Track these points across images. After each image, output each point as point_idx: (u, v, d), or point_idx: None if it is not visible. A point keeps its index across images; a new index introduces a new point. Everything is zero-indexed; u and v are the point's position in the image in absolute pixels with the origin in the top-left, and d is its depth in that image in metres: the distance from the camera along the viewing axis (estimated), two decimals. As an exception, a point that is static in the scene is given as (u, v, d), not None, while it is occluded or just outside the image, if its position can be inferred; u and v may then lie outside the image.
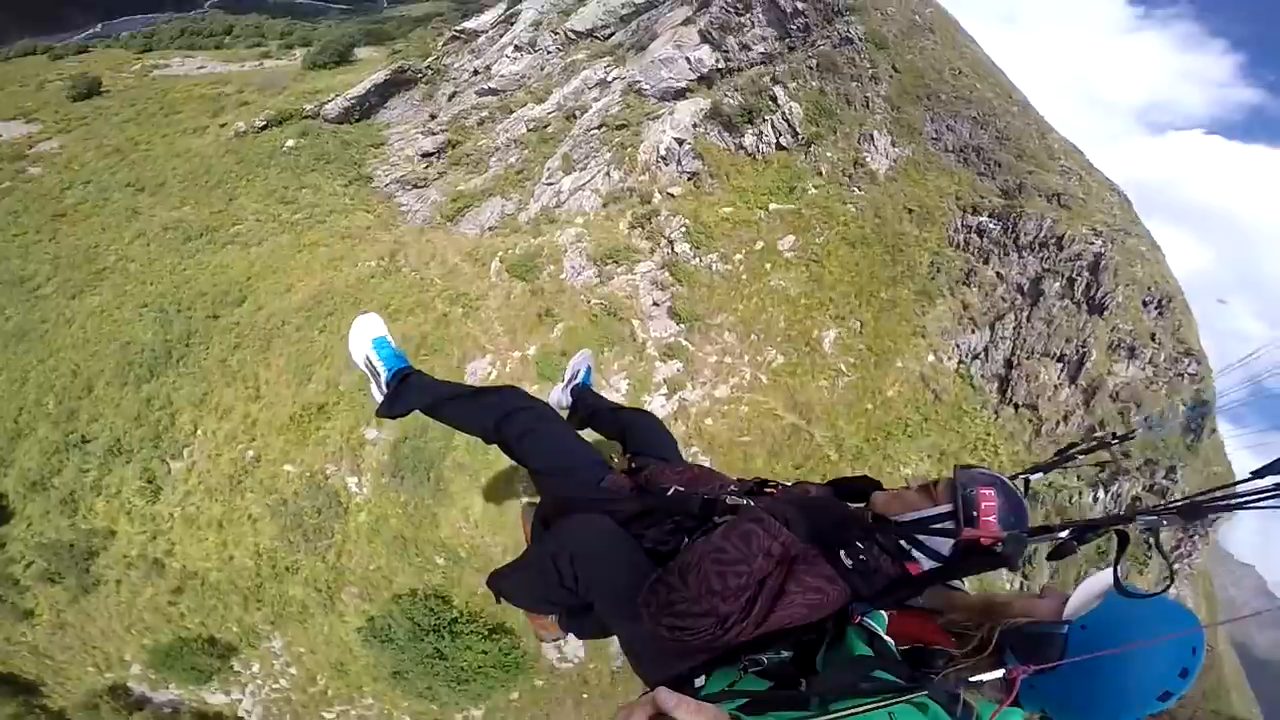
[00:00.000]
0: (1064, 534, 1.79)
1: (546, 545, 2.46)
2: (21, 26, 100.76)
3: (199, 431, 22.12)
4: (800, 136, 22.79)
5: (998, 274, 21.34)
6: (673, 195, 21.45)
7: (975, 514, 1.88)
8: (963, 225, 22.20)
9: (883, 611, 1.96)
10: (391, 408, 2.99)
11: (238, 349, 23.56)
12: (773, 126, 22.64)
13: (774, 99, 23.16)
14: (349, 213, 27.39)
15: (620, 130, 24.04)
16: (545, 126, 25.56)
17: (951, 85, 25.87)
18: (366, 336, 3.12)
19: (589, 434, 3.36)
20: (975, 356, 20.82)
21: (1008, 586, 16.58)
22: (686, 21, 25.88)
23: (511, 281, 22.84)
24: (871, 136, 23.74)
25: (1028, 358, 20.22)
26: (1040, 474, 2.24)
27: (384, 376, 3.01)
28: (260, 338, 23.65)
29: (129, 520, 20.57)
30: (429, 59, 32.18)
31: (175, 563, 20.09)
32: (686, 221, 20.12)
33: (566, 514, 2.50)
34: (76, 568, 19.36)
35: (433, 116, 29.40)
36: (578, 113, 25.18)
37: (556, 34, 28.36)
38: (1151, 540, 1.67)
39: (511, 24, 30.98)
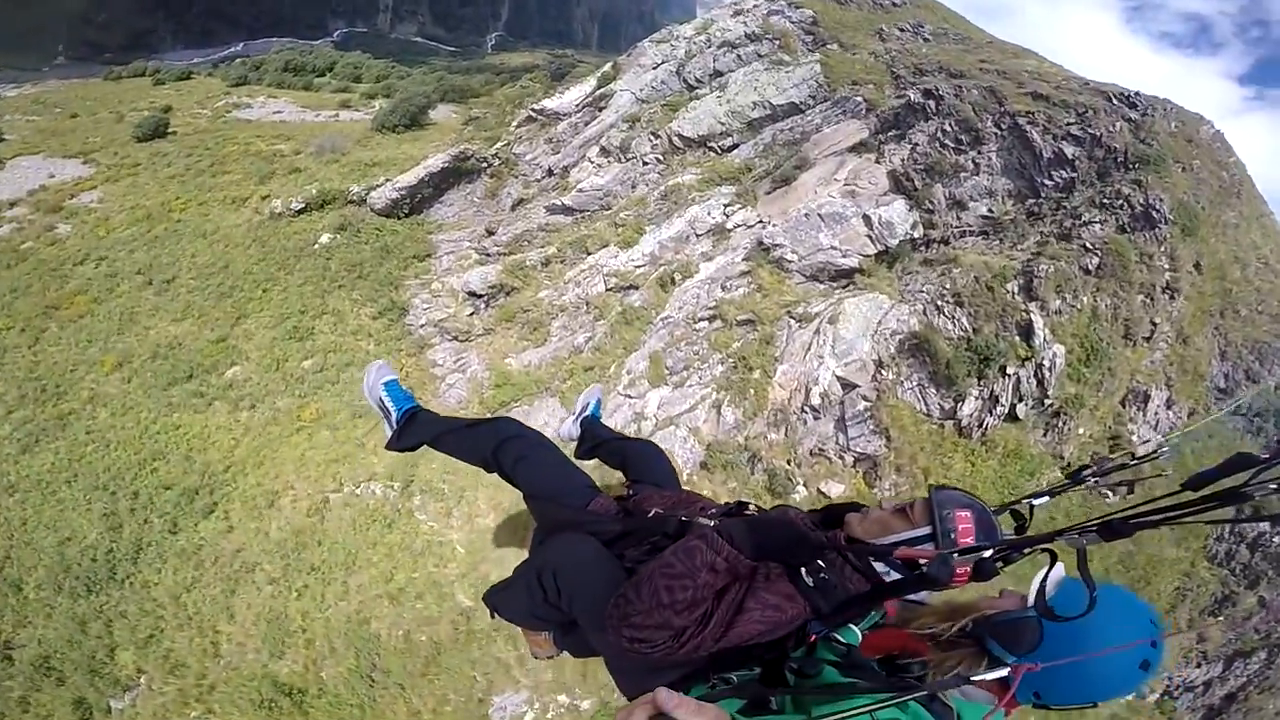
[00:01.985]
0: (987, 554, 1.39)
1: (533, 562, 2.12)
2: (176, 38, 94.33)
3: (143, 680, 12.60)
4: (1050, 400, 10.50)
5: (1261, 599, 11.69)
6: (827, 498, 9.80)
7: (953, 537, 1.55)
8: (1233, 532, 12.10)
9: (855, 628, 1.59)
10: (400, 441, 2.63)
11: (195, 587, 13.56)
12: (1017, 386, 10.36)
13: (1026, 330, 10.80)
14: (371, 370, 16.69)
15: (743, 328, 12.28)
16: (629, 289, 14.02)
17: (1255, 290, 13.04)
18: (379, 380, 2.78)
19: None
20: (1189, 689, 12.07)
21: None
22: (860, 148, 13.61)
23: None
24: (1146, 395, 11.25)
25: (1260, 693, 11.66)
26: (1046, 499, 1.69)
27: (394, 415, 2.65)
28: (224, 579, 13.45)
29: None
30: (497, 144, 20.86)
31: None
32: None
33: (555, 534, 2.14)
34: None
35: (490, 232, 18.20)
36: (678, 277, 13.51)
37: (657, 137, 16.52)
38: (1078, 559, 1.30)
39: (600, 109, 19.26)
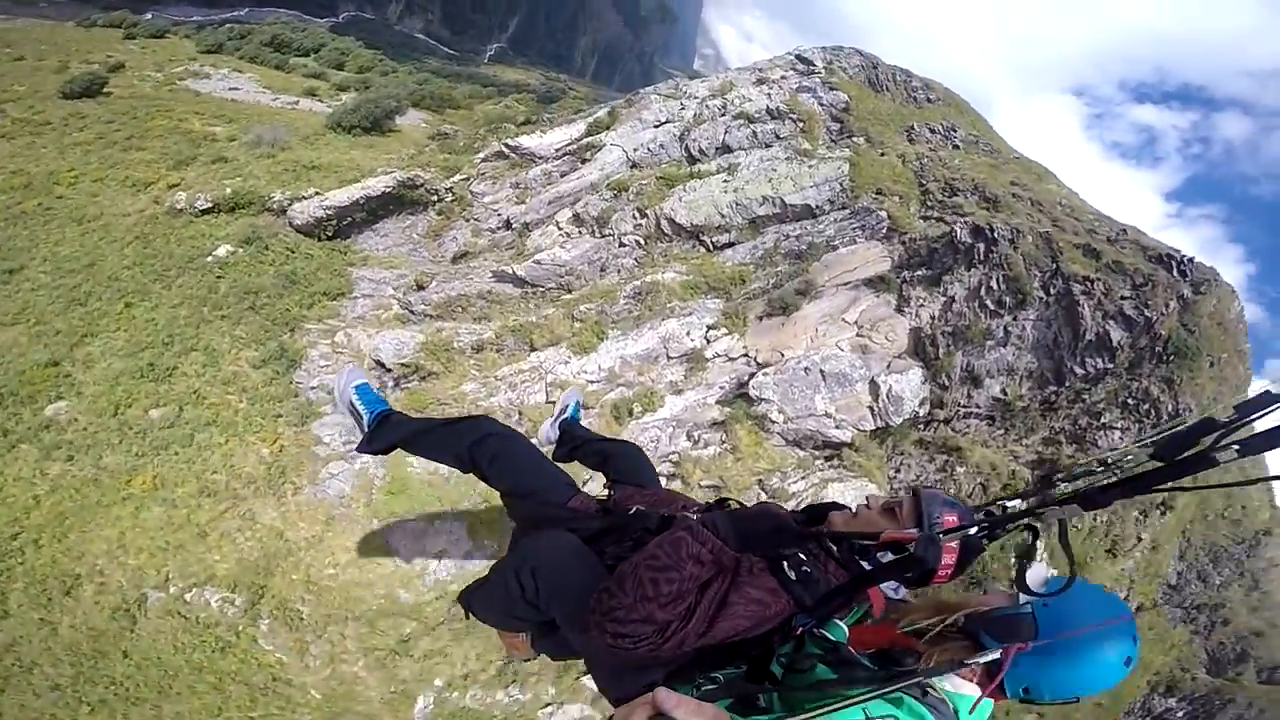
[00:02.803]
0: (973, 531, 1.51)
1: (511, 559, 2.05)
2: None
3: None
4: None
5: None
6: None
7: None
8: (1142, 708, 11.99)
9: (842, 624, 1.61)
10: (372, 444, 2.58)
11: (-55, 675, 9.75)
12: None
13: (1025, 552, 8.21)
14: (236, 436, 12.97)
15: (706, 492, 9.33)
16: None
17: (1225, 494, 12.51)
18: (349, 383, 2.78)
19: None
20: None
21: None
22: (879, 284, 11.02)
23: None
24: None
25: None
26: (1018, 502, 1.67)
27: (366, 418, 2.64)
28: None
29: None
30: (455, 176, 17.73)
31: None
32: None
33: (535, 531, 2.12)
34: None
35: (420, 286, 14.93)
36: (638, 408, 10.49)
37: (643, 216, 13.69)
38: (1058, 533, 1.40)
39: (584, 161, 16.42)
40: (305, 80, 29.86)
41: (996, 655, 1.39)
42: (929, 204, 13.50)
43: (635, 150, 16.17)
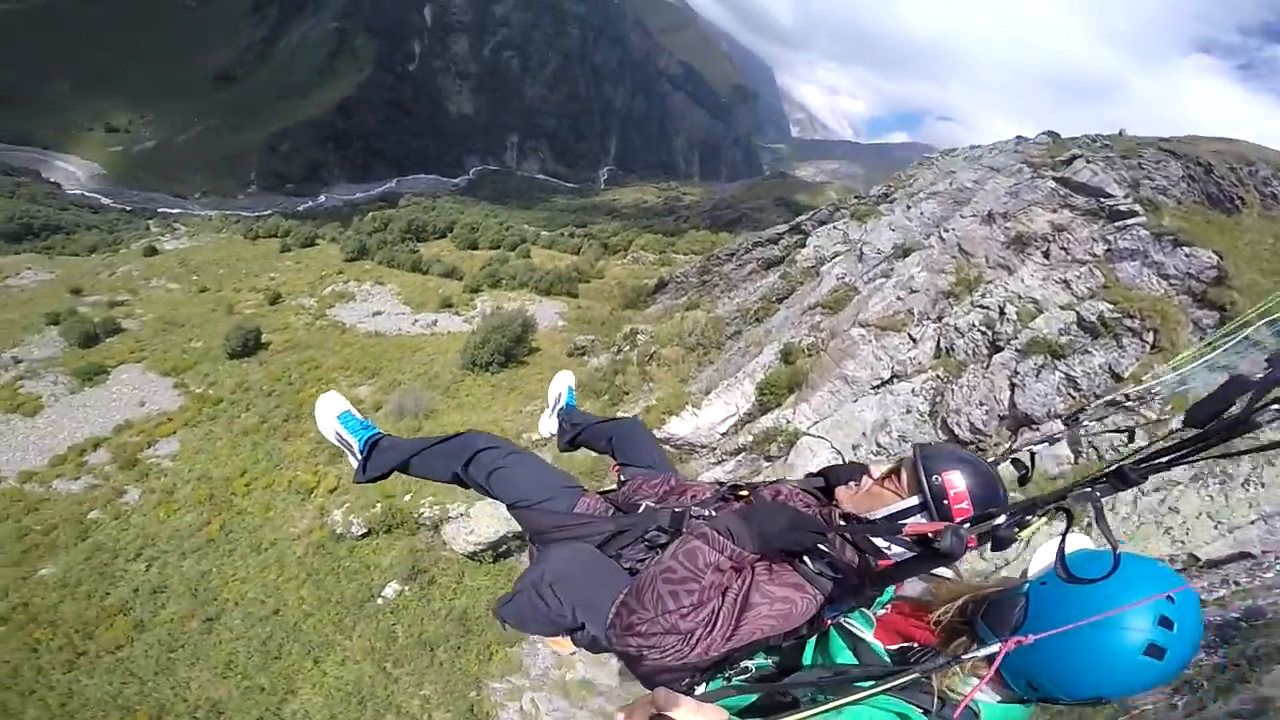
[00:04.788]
0: (999, 520, 1.26)
1: (530, 575, 1.98)
2: (342, 170, 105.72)
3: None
4: None
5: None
6: None
7: (945, 503, 1.46)
8: None
9: (869, 613, 1.52)
10: (367, 473, 2.45)
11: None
12: None
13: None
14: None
15: None
16: None
17: None
18: (331, 414, 2.59)
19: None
20: None
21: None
22: None
23: None
24: None
25: None
26: (1045, 445, 0.89)
27: (356, 446, 2.50)
28: None
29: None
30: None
31: None
32: None
33: (547, 543, 2.08)
34: None
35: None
36: None
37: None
38: (1094, 515, 1.14)
39: (768, 460, 11.69)
40: (439, 284, 30.12)
41: (992, 651, 1.18)
42: None
43: (856, 450, 11.16)
